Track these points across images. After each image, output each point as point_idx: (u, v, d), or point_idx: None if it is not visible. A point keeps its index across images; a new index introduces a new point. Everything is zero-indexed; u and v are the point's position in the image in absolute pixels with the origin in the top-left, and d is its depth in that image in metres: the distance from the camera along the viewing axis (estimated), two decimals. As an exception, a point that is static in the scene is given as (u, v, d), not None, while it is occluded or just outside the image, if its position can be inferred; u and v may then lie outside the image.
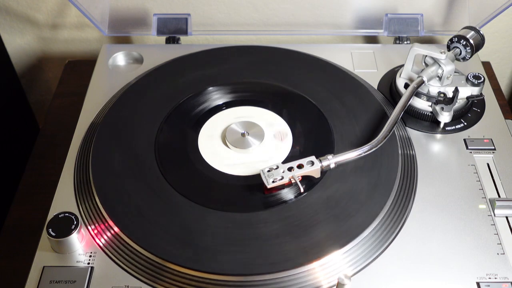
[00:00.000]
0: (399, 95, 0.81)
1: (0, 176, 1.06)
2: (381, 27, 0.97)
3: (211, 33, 1.07)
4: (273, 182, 0.69)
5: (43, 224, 0.65)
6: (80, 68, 1.05)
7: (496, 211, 0.69)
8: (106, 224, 0.67)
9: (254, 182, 0.71)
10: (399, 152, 0.74)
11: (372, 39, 1.08)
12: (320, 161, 0.70)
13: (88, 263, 0.64)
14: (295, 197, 0.69)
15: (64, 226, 0.64)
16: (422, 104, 0.79)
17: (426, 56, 0.79)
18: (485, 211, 0.69)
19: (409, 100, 0.76)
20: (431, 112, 0.79)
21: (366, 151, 0.71)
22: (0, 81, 1.10)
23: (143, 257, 0.64)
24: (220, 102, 0.83)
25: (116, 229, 0.66)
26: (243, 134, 0.77)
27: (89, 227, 0.67)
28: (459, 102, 0.79)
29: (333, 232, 0.65)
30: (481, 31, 0.80)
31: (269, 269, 0.62)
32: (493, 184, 0.73)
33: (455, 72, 0.79)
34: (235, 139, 0.77)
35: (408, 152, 0.76)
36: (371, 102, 0.81)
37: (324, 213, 0.67)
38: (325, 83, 0.84)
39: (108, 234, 0.66)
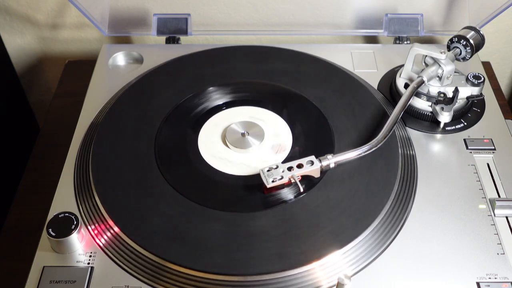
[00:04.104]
0: (399, 95, 0.81)
1: (0, 176, 1.06)
2: (381, 27, 0.97)
3: (211, 33, 1.07)
4: (272, 181, 0.69)
5: (43, 224, 0.65)
6: (80, 68, 1.05)
7: (496, 211, 0.69)
8: (106, 224, 0.67)
9: (254, 182, 0.71)
10: (399, 152, 0.74)
11: (372, 39, 1.08)
12: (320, 160, 0.70)
13: (88, 263, 0.64)
14: (295, 197, 0.69)
15: (64, 226, 0.64)
16: (422, 104, 0.79)
17: (426, 56, 0.79)
18: (485, 211, 0.69)
19: (409, 100, 0.76)
20: (431, 112, 0.79)
21: (366, 151, 0.71)
22: (0, 81, 1.10)
23: (143, 257, 0.64)
24: (220, 102, 0.83)
25: (116, 229, 0.66)
26: (243, 134, 0.77)
27: (89, 227, 0.67)
28: (459, 102, 0.79)
29: (333, 232, 0.65)
30: (481, 31, 0.80)
31: (269, 269, 0.62)
32: (493, 184, 0.73)
33: (455, 72, 0.79)
34: (235, 139, 0.77)
35: (408, 152, 0.76)
36: (371, 102, 0.81)
37: (324, 213, 0.67)
38: (325, 83, 0.84)
39: (108, 234, 0.66)
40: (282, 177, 0.69)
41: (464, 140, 0.78)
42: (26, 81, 1.19)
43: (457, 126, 0.79)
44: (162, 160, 0.74)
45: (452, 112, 0.77)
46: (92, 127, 0.80)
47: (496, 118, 0.81)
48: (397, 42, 0.96)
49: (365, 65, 0.90)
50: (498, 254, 0.65)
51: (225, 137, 0.77)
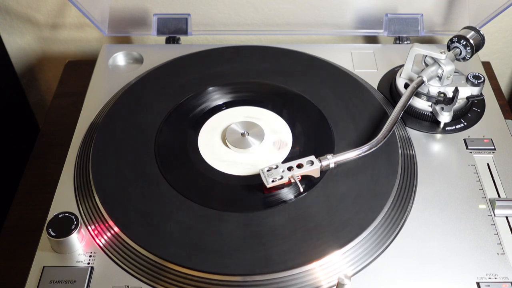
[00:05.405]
0: (399, 95, 0.81)
1: (0, 176, 1.06)
2: (381, 27, 0.97)
3: (211, 33, 1.07)
4: (272, 181, 0.69)
5: (43, 224, 0.65)
6: (80, 68, 1.06)
7: (496, 211, 0.69)
8: (106, 224, 0.67)
9: (254, 182, 0.71)
10: (399, 152, 0.74)
11: (372, 39, 1.08)
12: (320, 160, 0.70)
13: (88, 263, 0.64)
14: (295, 197, 0.69)
15: (64, 226, 0.64)
16: (422, 104, 0.79)
17: (426, 56, 0.79)
18: (485, 211, 0.69)
19: (409, 100, 0.76)
20: (431, 112, 0.79)
21: (366, 151, 0.71)
22: (0, 81, 1.10)
23: (143, 257, 0.64)
24: (220, 102, 0.83)
25: (116, 229, 0.66)
26: (243, 134, 0.77)
27: (89, 227, 0.67)
28: (459, 102, 0.79)
29: (333, 232, 0.65)
30: (481, 31, 0.80)
31: (269, 269, 0.62)
32: (493, 184, 0.73)
33: (455, 72, 0.79)
34: (235, 139, 0.77)
35: (408, 152, 0.76)
36: (371, 102, 0.81)
37: (324, 213, 0.67)
38: (325, 83, 0.84)
39: (108, 234, 0.66)
40: (282, 177, 0.69)
41: (464, 140, 0.78)
42: (26, 81, 1.19)
43: (457, 126, 0.79)
44: (162, 160, 0.74)
45: (452, 112, 0.77)
46: (92, 127, 0.80)
47: (496, 118, 0.81)
48: (397, 42, 0.96)
49: (365, 65, 0.90)
50: (498, 254, 0.65)
51: (225, 137, 0.77)
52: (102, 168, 0.73)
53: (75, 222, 0.65)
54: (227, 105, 0.83)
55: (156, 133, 0.77)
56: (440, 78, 0.78)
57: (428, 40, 1.05)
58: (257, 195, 0.70)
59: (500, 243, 0.66)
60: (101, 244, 0.66)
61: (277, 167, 0.70)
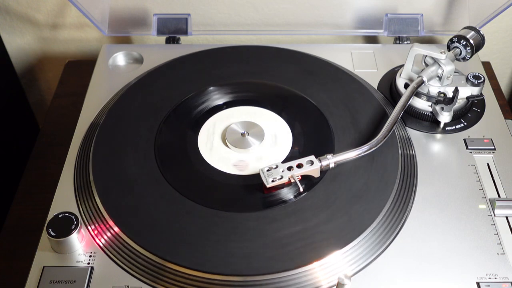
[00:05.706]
0: (399, 95, 0.81)
1: (0, 176, 1.06)
2: (381, 27, 0.97)
3: (211, 33, 1.07)
4: (272, 181, 0.69)
5: (43, 224, 0.65)
6: (80, 68, 1.06)
7: (496, 211, 0.69)
8: (106, 224, 0.67)
9: (254, 182, 0.71)
10: (399, 152, 0.74)
11: (372, 39, 1.08)
12: (320, 160, 0.70)
13: (88, 263, 0.64)
14: (295, 196, 0.69)
15: (64, 226, 0.64)
16: (422, 104, 0.79)
17: (426, 56, 0.79)
18: (485, 211, 0.69)
19: (409, 100, 0.76)
20: (431, 112, 0.79)
21: (366, 151, 0.71)
22: (0, 81, 1.10)
23: (143, 257, 0.64)
24: (220, 102, 0.83)
25: (116, 229, 0.66)
26: (243, 134, 0.77)
27: (89, 227, 0.67)
28: (459, 102, 0.79)
29: (333, 232, 0.65)
30: (481, 31, 0.80)
31: (269, 269, 0.62)
32: (493, 184, 0.73)
33: (455, 72, 0.79)
34: (235, 139, 0.77)
35: (408, 152, 0.76)
36: (371, 102, 0.81)
37: (324, 213, 0.67)
38: (325, 83, 0.84)
39: (108, 234, 0.66)
40: (282, 177, 0.69)
41: (464, 140, 0.78)
42: (26, 81, 1.19)
43: (457, 126, 0.79)
44: (162, 160, 0.74)
45: (452, 112, 0.77)
46: (92, 127, 0.80)
47: (496, 118, 0.81)
48: (397, 42, 0.96)
49: (365, 65, 0.90)
50: (498, 254, 0.65)
51: (225, 137, 0.77)
52: (102, 168, 0.73)
53: (75, 222, 0.65)
54: (227, 105, 0.83)
55: (156, 133, 0.77)
56: (440, 78, 0.78)
57: (428, 40, 1.05)
58: (257, 195, 0.70)
59: (500, 243, 0.66)
60: (101, 244, 0.66)
61: (277, 167, 0.70)
